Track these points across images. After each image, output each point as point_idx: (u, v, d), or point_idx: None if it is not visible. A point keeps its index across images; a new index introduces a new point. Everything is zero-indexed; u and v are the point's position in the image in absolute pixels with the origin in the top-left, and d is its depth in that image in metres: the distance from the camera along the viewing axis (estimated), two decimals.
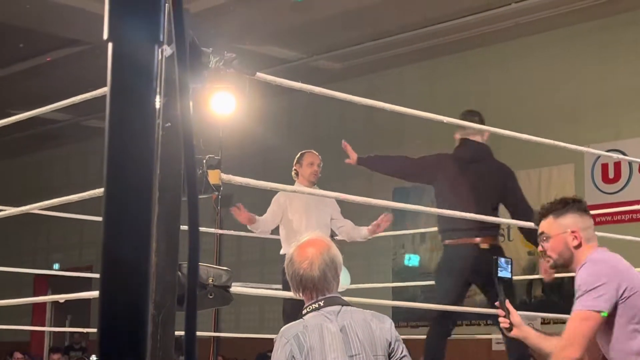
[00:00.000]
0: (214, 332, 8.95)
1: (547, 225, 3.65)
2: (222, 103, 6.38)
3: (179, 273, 2.80)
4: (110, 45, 0.92)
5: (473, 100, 10.81)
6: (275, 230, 7.21)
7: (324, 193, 6.22)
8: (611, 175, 9.85)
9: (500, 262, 3.67)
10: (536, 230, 5.86)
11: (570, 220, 3.62)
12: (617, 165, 9.80)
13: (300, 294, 3.36)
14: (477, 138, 6.15)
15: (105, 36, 0.92)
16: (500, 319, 3.61)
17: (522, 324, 3.59)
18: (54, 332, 16.03)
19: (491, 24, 10.21)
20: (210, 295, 3.28)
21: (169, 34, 0.97)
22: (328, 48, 11.31)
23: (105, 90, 0.93)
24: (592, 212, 9.74)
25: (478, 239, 5.95)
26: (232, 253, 12.25)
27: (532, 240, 6.00)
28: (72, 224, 13.98)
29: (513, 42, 10.68)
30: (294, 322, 3.31)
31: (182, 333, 0.99)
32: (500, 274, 3.66)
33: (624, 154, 9.11)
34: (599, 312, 3.27)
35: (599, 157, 9.73)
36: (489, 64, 10.98)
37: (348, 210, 7.35)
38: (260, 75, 3.61)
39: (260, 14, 10.05)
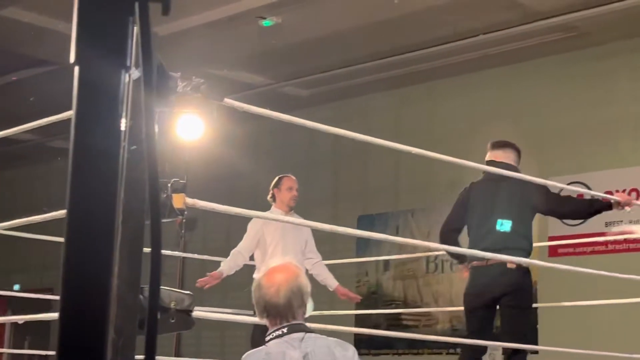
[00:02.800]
0: (175, 356, 8.88)
1: None
2: (189, 127, 6.38)
3: (141, 296, 2.78)
4: (76, 69, 0.92)
5: (439, 129, 10.88)
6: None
7: (289, 219, 6.22)
8: None
9: None
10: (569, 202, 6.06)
11: None
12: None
13: (265, 319, 3.35)
14: (506, 160, 6.21)
15: (72, 60, 0.93)
16: None
17: None
18: (13, 353, 15.84)
19: (459, 54, 10.29)
20: (172, 319, 3.26)
21: (136, 57, 0.97)
22: (296, 74, 11.33)
23: (70, 112, 0.93)
24: (554, 243, 9.76)
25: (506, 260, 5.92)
26: (196, 277, 12.17)
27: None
28: (34, 245, 13.84)
29: (480, 73, 10.76)
30: (255, 349, 3.30)
31: (143, 357, 0.99)
32: None
33: (587, 186, 9.19)
34: None
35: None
36: (456, 94, 11.05)
37: (314, 236, 7.37)
38: (228, 101, 3.61)
39: (228, 39, 10.06)
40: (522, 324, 6.10)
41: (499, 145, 6.40)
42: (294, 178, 7.27)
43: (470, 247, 6.03)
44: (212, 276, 6.87)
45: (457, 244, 6.17)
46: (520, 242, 6.08)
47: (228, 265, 6.97)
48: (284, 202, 7.14)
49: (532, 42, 9.82)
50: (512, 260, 5.59)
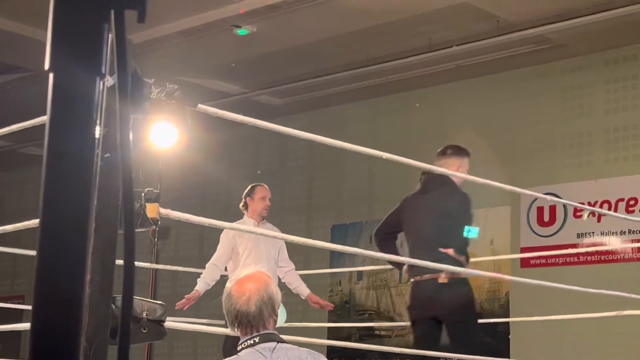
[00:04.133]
0: None
1: None
2: (163, 135, 6.33)
3: (113, 306, 2.77)
4: (51, 75, 0.92)
5: (412, 140, 10.91)
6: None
7: (263, 232, 6.20)
8: (546, 218, 9.98)
9: None
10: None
11: None
12: (553, 208, 9.93)
13: (236, 329, 3.34)
14: (444, 169, 6.20)
15: (46, 66, 0.92)
16: None
17: None
18: None
19: (433, 65, 10.33)
20: (144, 329, 3.24)
21: (111, 64, 0.97)
22: (270, 83, 11.33)
23: (44, 119, 0.92)
24: (528, 254, 9.79)
25: (437, 274, 5.88)
26: (168, 286, 12.14)
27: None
28: (4, 253, 13.76)
29: (453, 84, 10.81)
30: (227, 359, 3.28)
31: None
32: None
33: (559, 197, 9.23)
34: None
35: (535, 200, 9.85)
36: (431, 104, 11.09)
37: (287, 245, 7.36)
38: (202, 107, 3.60)
39: (203, 47, 10.05)
40: (470, 337, 6.01)
41: (438, 154, 6.28)
42: (266, 187, 7.25)
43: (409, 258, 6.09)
44: (188, 298, 6.84)
45: (394, 247, 6.19)
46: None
47: (204, 282, 6.93)
48: (256, 211, 7.11)
49: (506, 53, 9.88)
50: (453, 269, 5.55)
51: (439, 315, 5.96)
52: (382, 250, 6.18)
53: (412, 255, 5.94)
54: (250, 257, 6.91)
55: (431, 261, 5.49)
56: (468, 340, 5.92)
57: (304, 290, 7.36)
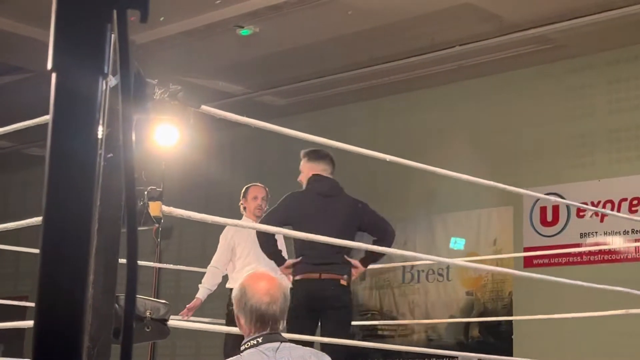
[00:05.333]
0: None
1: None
2: (165, 135, 6.34)
3: (116, 305, 2.78)
4: (53, 75, 0.92)
5: (415, 140, 10.91)
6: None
7: (266, 228, 6.21)
8: (549, 218, 9.97)
9: None
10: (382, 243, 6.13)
11: None
12: (556, 208, 9.92)
13: (249, 326, 3.30)
14: (329, 174, 6.40)
15: (49, 66, 0.92)
16: None
17: None
18: None
19: (435, 65, 10.32)
20: (147, 328, 3.24)
21: (114, 64, 0.97)
22: (273, 84, 11.33)
23: (47, 118, 0.92)
24: (530, 254, 9.75)
25: (340, 275, 6.09)
26: (171, 286, 12.14)
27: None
28: (8, 253, 13.77)
29: (456, 84, 10.80)
30: (230, 359, 3.28)
31: None
32: None
33: (562, 197, 9.22)
34: None
35: (538, 199, 9.84)
36: (432, 105, 11.08)
37: (289, 244, 7.36)
38: (205, 108, 3.60)
39: (206, 47, 10.05)
40: (345, 336, 6.03)
41: (319, 157, 6.38)
42: (260, 186, 7.27)
43: (297, 256, 6.14)
44: (190, 308, 6.91)
45: (275, 244, 6.25)
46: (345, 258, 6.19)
47: (205, 288, 6.99)
48: (250, 211, 7.16)
49: (509, 53, 9.87)
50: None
51: (325, 311, 6.08)
52: (262, 246, 6.25)
53: (309, 253, 6.03)
54: (250, 256, 6.93)
55: (331, 262, 5.72)
56: (342, 335, 5.91)
57: None
